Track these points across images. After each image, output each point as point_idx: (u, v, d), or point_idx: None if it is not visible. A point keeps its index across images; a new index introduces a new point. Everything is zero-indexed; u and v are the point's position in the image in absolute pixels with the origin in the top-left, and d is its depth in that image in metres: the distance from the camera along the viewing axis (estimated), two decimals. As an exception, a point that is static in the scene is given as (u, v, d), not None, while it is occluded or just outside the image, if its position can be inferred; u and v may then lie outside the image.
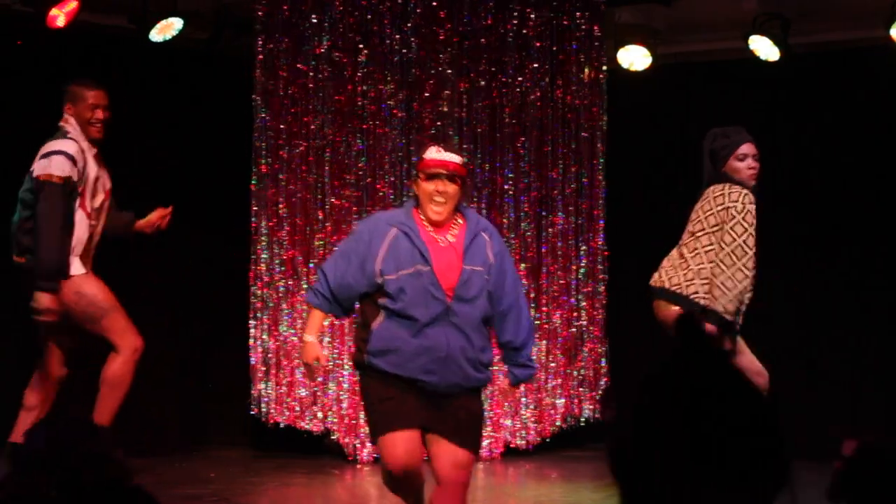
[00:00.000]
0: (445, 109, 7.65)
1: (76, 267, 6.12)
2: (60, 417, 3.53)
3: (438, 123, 7.65)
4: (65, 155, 6.05)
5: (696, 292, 5.53)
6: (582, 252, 7.89)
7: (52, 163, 6.02)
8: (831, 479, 3.58)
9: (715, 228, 5.54)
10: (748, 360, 5.63)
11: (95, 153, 6.22)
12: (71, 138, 6.11)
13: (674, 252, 5.71)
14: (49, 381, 6.32)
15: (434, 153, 4.91)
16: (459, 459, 4.73)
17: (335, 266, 4.89)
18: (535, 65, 7.78)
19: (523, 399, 7.76)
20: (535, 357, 5.45)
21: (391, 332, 4.78)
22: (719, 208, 5.55)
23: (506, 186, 7.79)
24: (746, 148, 5.65)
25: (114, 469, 3.01)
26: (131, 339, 6.22)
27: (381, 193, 7.61)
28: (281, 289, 7.62)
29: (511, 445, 7.79)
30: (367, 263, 4.80)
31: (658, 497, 1.71)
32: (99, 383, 6.20)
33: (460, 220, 4.92)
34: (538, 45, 7.78)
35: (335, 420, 7.57)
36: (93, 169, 6.17)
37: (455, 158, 4.90)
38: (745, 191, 5.55)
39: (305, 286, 7.33)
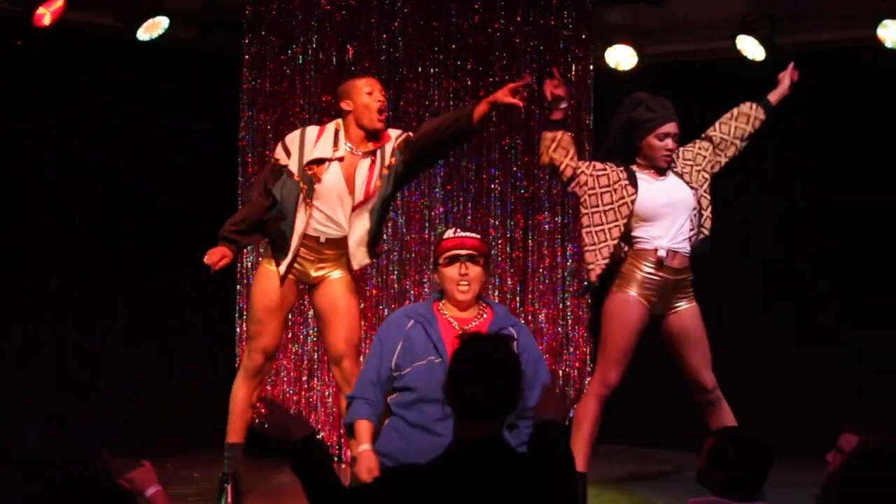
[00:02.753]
0: (433, 108, 7.65)
1: (270, 259, 5.65)
2: (47, 420, 3.52)
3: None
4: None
5: None
6: (568, 252, 7.89)
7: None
8: (827, 479, 3.54)
9: None
10: None
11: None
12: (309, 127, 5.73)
13: None
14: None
15: (450, 234, 4.73)
16: None
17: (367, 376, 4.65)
18: (523, 64, 7.77)
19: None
20: None
21: (399, 432, 4.56)
22: None
23: (492, 185, 7.79)
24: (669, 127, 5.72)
25: (95, 469, 3.01)
26: (253, 358, 5.73)
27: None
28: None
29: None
30: (383, 368, 4.62)
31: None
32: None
33: (486, 314, 4.73)
34: (525, 44, 7.78)
35: (319, 419, 7.56)
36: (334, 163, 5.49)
37: (473, 236, 4.75)
38: None
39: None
